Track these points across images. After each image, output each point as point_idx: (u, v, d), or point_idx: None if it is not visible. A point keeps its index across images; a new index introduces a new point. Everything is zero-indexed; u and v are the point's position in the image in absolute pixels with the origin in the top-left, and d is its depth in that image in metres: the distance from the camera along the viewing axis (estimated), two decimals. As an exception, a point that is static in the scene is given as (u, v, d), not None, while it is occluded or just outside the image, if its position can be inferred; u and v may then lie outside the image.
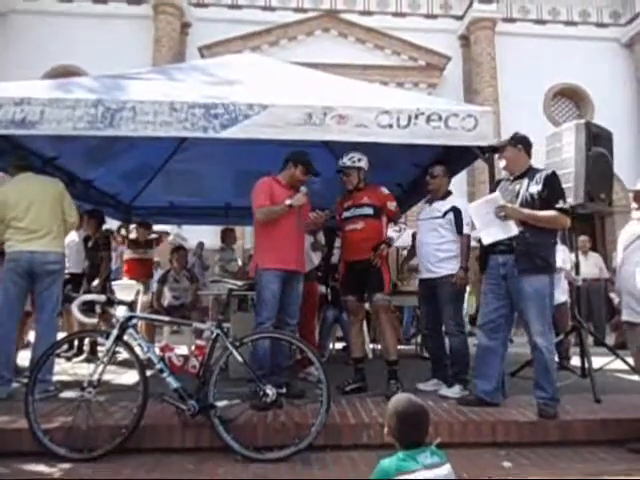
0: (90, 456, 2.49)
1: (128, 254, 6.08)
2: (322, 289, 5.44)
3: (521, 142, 3.22)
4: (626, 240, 2.86)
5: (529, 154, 3.26)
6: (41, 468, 2.44)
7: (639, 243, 2.76)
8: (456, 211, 3.66)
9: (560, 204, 3.02)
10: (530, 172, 3.17)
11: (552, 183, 3.07)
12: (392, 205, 3.69)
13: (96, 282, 5.01)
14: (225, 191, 6.08)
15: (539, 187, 3.04)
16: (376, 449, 2.56)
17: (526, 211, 3.01)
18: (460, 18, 13.07)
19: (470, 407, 3.10)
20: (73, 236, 5.36)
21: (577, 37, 13.09)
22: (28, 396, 2.55)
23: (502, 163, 3.29)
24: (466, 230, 3.63)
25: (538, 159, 3.39)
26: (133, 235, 6.08)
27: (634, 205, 2.81)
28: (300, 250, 3.57)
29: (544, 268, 3.03)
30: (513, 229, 2.98)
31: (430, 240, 3.69)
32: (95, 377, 2.61)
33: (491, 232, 3.06)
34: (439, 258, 3.63)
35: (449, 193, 3.81)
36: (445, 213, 3.67)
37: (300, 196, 3.37)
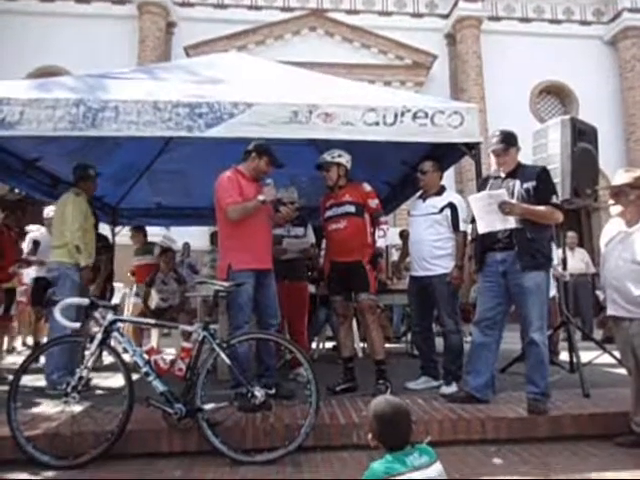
0: (75, 463, 2.44)
1: (135, 261, 6.33)
2: (312, 289, 5.42)
3: (517, 140, 3.23)
4: (607, 236, 2.88)
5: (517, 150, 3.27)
6: (24, 476, 2.39)
7: (620, 238, 2.77)
8: (453, 207, 3.61)
9: (554, 199, 3.06)
10: (520, 169, 3.19)
11: (545, 179, 3.10)
12: (373, 202, 3.63)
13: (92, 286, 4.94)
14: (212, 191, 6.00)
15: (533, 183, 3.06)
16: (366, 449, 2.52)
17: (526, 206, 3.01)
18: (446, 17, 13.13)
19: (460, 404, 3.10)
20: (48, 240, 5.34)
21: (561, 35, 13.23)
22: (10, 403, 2.49)
23: (501, 166, 3.21)
24: (462, 227, 3.59)
25: (524, 155, 3.39)
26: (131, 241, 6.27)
27: (611, 201, 2.83)
28: (269, 246, 3.45)
29: (544, 264, 3.06)
30: (511, 221, 3.00)
31: (426, 237, 3.62)
32: (79, 382, 2.55)
33: (489, 222, 3.06)
34: (435, 255, 3.58)
35: (443, 188, 3.76)
36: (442, 209, 3.61)
37: (270, 190, 3.23)
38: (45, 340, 5.40)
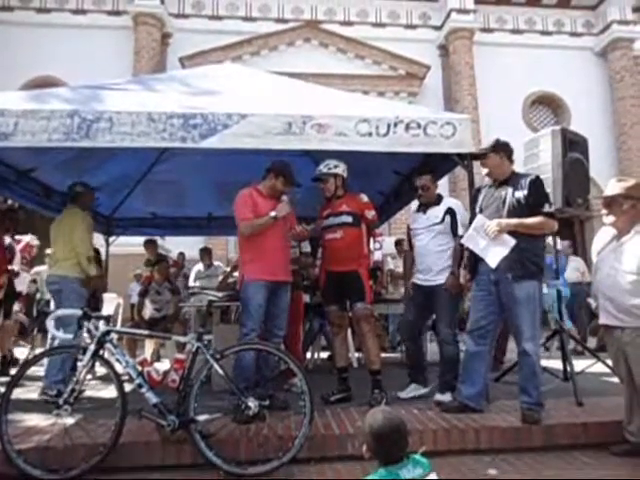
0: (66, 476, 2.40)
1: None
2: (306, 298, 5.42)
3: (502, 149, 3.24)
4: (599, 245, 2.91)
5: (511, 160, 3.28)
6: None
7: (612, 247, 2.80)
8: (452, 213, 3.60)
9: (546, 208, 3.06)
10: (514, 178, 3.19)
11: (537, 188, 3.09)
12: (370, 214, 3.65)
13: None
14: (207, 201, 6.04)
15: (525, 192, 3.07)
16: (361, 460, 2.51)
17: (513, 221, 3.02)
18: (439, 28, 13.29)
19: (454, 414, 3.09)
20: None
21: (552, 46, 13.42)
22: (1, 416, 2.46)
23: (485, 170, 3.28)
24: (461, 231, 3.52)
25: (517, 165, 3.42)
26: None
27: (604, 211, 2.85)
28: (286, 259, 3.56)
29: (536, 273, 3.06)
30: (511, 240, 2.99)
31: (433, 248, 3.59)
32: (72, 394, 2.53)
33: (494, 253, 3.04)
34: (442, 266, 3.56)
35: (441, 197, 3.77)
36: (443, 218, 3.60)
37: (283, 206, 3.35)
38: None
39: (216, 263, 7.43)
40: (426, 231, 3.65)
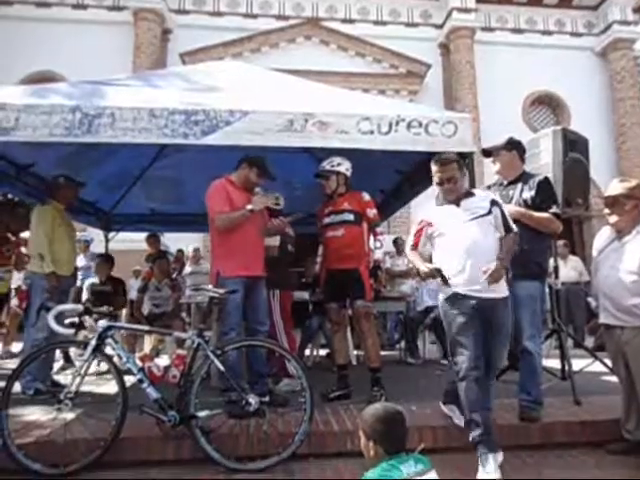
0: (66, 471, 2.42)
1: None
2: (305, 296, 5.43)
3: (516, 147, 3.24)
4: (600, 245, 2.92)
5: (523, 159, 3.29)
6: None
7: (613, 247, 2.81)
8: (498, 204, 2.81)
9: (553, 209, 3.06)
10: (524, 177, 3.19)
11: (545, 188, 3.10)
12: (371, 212, 3.64)
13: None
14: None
15: (532, 192, 3.08)
16: (360, 457, 2.53)
17: (522, 210, 3.04)
18: (440, 27, 13.26)
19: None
20: None
21: (553, 46, 13.40)
22: (1, 410, 2.47)
23: (496, 167, 3.27)
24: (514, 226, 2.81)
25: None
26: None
27: (606, 211, 2.86)
28: (260, 254, 3.47)
29: (538, 274, 3.07)
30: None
31: (488, 244, 2.70)
32: (72, 389, 2.54)
33: None
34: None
35: (469, 190, 2.94)
36: (490, 209, 2.76)
37: (260, 199, 3.30)
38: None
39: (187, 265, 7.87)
40: (475, 223, 2.72)
